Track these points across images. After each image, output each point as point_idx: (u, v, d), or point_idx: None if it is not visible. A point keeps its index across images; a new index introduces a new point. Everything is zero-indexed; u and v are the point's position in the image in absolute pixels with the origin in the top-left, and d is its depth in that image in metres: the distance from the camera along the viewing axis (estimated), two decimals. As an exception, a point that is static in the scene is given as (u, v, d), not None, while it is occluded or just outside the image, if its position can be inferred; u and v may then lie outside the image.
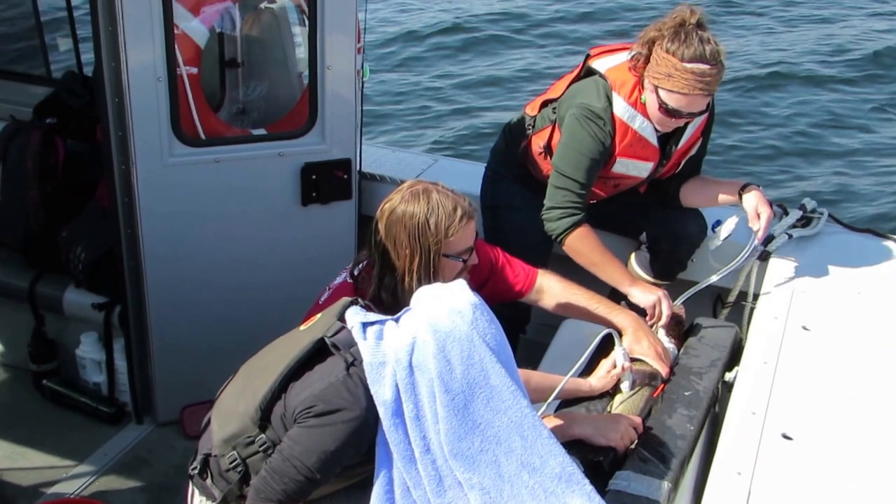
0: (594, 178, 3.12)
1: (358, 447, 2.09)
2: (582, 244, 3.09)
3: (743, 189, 3.17)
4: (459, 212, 2.49)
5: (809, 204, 3.51)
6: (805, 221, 3.45)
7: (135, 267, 3.48)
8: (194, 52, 3.51)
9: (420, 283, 2.49)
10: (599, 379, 2.72)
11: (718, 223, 3.32)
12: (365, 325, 2.13)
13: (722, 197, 3.25)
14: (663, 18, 2.96)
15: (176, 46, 3.23)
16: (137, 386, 3.73)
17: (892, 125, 8.80)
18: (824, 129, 8.66)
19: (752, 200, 3.13)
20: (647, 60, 2.97)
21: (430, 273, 2.51)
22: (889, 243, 3.38)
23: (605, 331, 2.74)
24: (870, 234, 3.45)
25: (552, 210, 3.12)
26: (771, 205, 3.15)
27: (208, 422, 2.33)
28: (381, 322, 2.14)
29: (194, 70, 3.47)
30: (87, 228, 3.79)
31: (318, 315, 2.28)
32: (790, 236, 3.34)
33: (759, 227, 3.11)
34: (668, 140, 3.16)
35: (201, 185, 3.41)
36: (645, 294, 2.96)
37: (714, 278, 3.16)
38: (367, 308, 2.26)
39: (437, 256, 2.50)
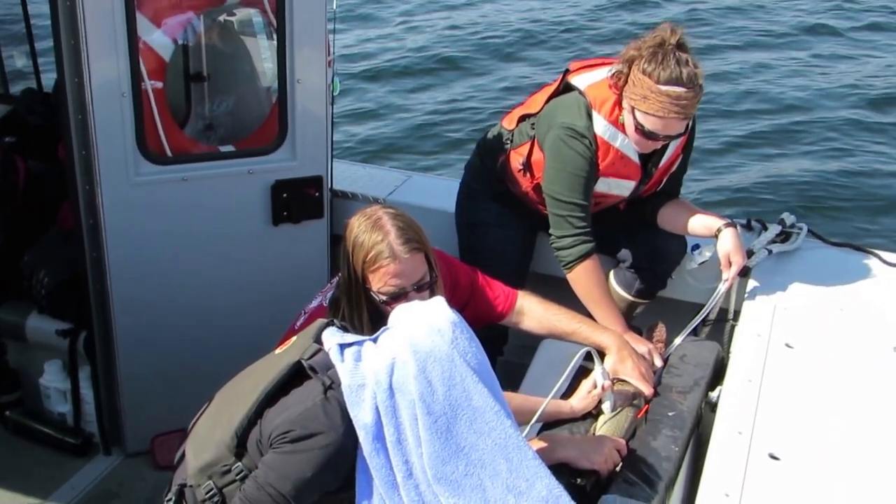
0: (591, 195, 3.06)
1: (336, 473, 2.03)
2: (589, 277, 3.05)
3: (720, 229, 3.10)
4: (384, 248, 2.36)
5: (788, 219, 3.48)
6: (784, 236, 3.42)
7: (100, 291, 3.38)
8: (159, 66, 3.42)
9: (352, 310, 2.45)
10: (580, 400, 2.69)
11: (697, 247, 3.30)
12: (342, 346, 2.08)
13: (698, 230, 3.20)
14: (644, 37, 2.92)
15: (140, 60, 3.14)
16: (105, 415, 3.62)
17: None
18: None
19: (727, 245, 3.07)
20: (627, 80, 2.92)
21: (354, 301, 2.45)
22: (867, 257, 3.36)
23: (584, 349, 2.71)
24: (848, 249, 3.44)
25: (564, 238, 3.05)
26: (744, 253, 3.11)
27: (183, 454, 2.26)
28: (359, 343, 2.09)
29: (159, 84, 3.37)
30: (51, 252, 3.69)
31: (294, 338, 2.23)
32: (770, 252, 3.31)
33: (727, 276, 3.07)
34: (649, 158, 3.12)
35: (169, 204, 3.32)
36: (636, 345, 2.91)
37: (696, 321, 3.12)
38: (344, 329, 2.20)
39: (360, 286, 2.42)
